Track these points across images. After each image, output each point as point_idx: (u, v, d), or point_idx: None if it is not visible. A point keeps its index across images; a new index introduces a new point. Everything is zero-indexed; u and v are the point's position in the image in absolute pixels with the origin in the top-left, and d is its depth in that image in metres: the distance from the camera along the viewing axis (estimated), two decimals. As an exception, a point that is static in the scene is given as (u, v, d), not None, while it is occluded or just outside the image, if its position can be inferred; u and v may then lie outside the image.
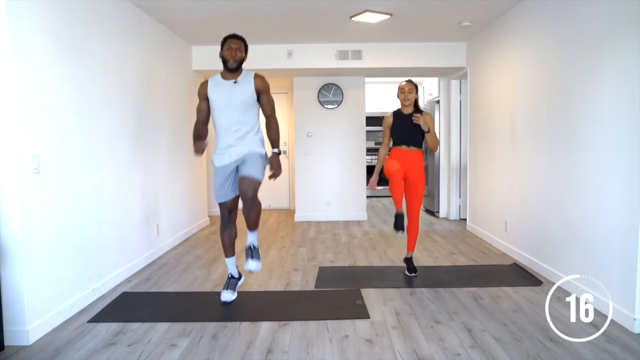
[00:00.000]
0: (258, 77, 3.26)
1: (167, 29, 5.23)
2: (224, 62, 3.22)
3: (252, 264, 3.29)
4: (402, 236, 4.04)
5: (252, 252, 3.32)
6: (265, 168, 3.29)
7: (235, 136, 3.21)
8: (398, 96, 3.94)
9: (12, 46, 2.66)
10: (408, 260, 4.05)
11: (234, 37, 3.26)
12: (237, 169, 3.27)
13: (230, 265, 3.44)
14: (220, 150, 3.27)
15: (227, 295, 3.35)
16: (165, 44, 5.19)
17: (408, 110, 3.91)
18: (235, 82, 3.22)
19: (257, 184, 3.20)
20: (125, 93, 4.12)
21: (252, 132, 3.25)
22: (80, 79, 3.40)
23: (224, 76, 3.27)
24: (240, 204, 3.29)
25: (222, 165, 3.26)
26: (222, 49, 3.24)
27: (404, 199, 3.91)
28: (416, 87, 3.94)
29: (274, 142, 3.32)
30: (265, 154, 3.30)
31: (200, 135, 3.37)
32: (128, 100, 4.18)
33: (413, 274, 3.97)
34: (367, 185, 7.26)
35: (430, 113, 4.01)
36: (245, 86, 3.21)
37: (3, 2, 2.59)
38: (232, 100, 3.20)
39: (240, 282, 3.49)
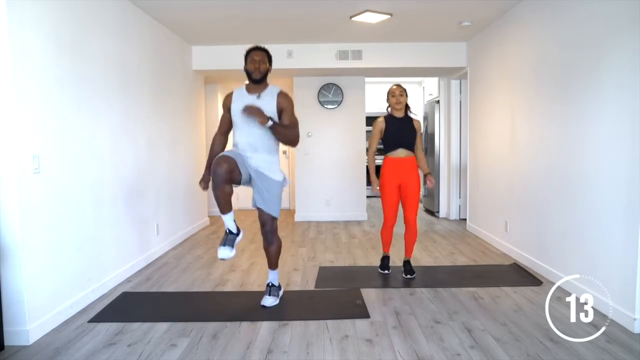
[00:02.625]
0: (282, 95, 3.19)
1: (167, 29, 5.23)
2: (248, 75, 3.17)
3: (267, 300, 3.32)
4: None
5: (270, 290, 3.37)
6: (281, 194, 3.24)
7: (254, 150, 3.15)
8: (388, 100, 3.92)
9: (12, 46, 2.66)
10: (406, 263, 4.04)
11: (256, 49, 3.21)
12: (252, 176, 3.16)
13: (228, 220, 3.12)
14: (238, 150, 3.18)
15: (225, 252, 3.07)
16: (165, 44, 5.19)
17: (399, 114, 3.91)
18: (258, 97, 3.16)
19: (275, 220, 3.23)
20: (125, 93, 4.12)
21: (271, 152, 3.19)
22: (80, 79, 3.40)
23: (248, 89, 3.21)
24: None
25: (237, 153, 3.13)
26: (245, 62, 3.19)
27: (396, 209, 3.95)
28: (405, 90, 3.94)
29: (281, 125, 3.13)
30: (283, 180, 3.22)
31: (215, 149, 3.31)
32: (128, 100, 4.18)
33: (409, 276, 3.95)
34: (367, 185, 7.29)
35: (419, 120, 4.03)
36: (267, 103, 3.14)
37: (3, 2, 2.59)
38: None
39: (238, 238, 3.19)
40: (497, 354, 2.56)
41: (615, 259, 2.99)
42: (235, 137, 3.24)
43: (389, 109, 3.97)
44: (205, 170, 3.33)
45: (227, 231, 3.15)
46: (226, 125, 3.31)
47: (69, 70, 3.25)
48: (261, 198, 3.18)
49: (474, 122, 5.87)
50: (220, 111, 4.79)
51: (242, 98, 3.20)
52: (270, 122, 3.06)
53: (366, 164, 7.17)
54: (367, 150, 4.12)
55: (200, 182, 3.34)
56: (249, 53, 3.21)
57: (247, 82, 3.26)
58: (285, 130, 3.16)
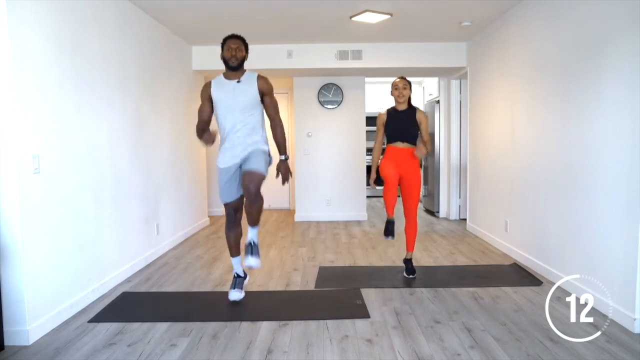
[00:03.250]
0: (261, 78, 3.28)
1: (167, 29, 5.23)
2: (225, 62, 3.24)
3: (251, 260, 3.20)
4: (393, 240, 4.03)
5: (251, 249, 3.25)
6: (269, 164, 3.29)
7: (240, 135, 3.23)
8: (392, 93, 3.91)
9: (12, 46, 2.66)
10: (407, 262, 4.03)
11: (232, 37, 3.28)
12: (240, 167, 3.27)
13: (236, 264, 3.46)
14: (224, 151, 3.28)
15: (235, 295, 3.38)
16: (165, 44, 5.19)
17: (402, 107, 3.90)
18: (238, 82, 3.24)
19: (260, 177, 3.16)
20: (125, 93, 4.13)
21: (256, 131, 3.27)
22: (80, 79, 3.40)
23: (226, 76, 3.28)
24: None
25: (226, 167, 3.26)
26: (222, 50, 3.26)
27: (396, 206, 3.91)
28: (410, 83, 3.92)
29: (281, 147, 3.36)
30: (269, 151, 3.32)
31: (204, 130, 3.34)
32: (128, 100, 4.19)
33: (411, 276, 3.94)
34: (367, 185, 7.29)
35: (424, 112, 3.99)
36: (248, 86, 3.23)
37: (3, 2, 2.59)
38: (236, 100, 3.21)
39: (246, 281, 3.51)
40: (497, 354, 2.56)
41: (615, 259, 2.99)
42: (220, 126, 3.30)
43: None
44: (204, 134, 3.31)
45: (236, 275, 3.46)
46: (207, 115, 3.33)
47: (69, 70, 3.25)
48: (248, 162, 3.20)
49: (474, 122, 5.87)
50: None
51: (222, 85, 3.26)
52: (287, 158, 3.35)
53: (366, 162, 7.21)
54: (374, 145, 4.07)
55: (206, 140, 3.28)
56: (225, 41, 3.28)
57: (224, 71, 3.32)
58: (282, 138, 3.36)
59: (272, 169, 3.32)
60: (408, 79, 3.96)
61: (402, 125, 3.86)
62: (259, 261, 3.26)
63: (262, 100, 3.29)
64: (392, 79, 4.03)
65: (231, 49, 3.21)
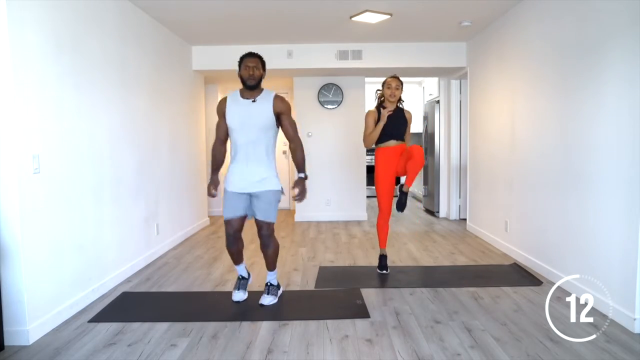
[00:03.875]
0: (278, 98, 3.18)
1: (167, 29, 5.23)
2: (243, 81, 3.16)
3: (266, 299, 3.35)
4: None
5: (269, 289, 3.41)
6: (279, 202, 3.27)
7: (251, 159, 3.16)
8: (384, 91, 3.93)
9: (12, 46, 2.66)
10: (402, 194, 3.93)
11: (250, 55, 3.19)
12: (249, 196, 3.22)
13: (240, 269, 3.47)
14: (234, 173, 3.20)
15: (239, 295, 3.41)
16: (165, 44, 5.19)
17: (392, 106, 3.94)
18: (253, 101, 3.15)
19: (272, 225, 3.26)
20: (125, 93, 4.13)
21: (269, 160, 3.20)
22: (80, 79, 3.40)
23: (242, 94, 3.20)
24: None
25: (233, 192, 3.22)
26: (239, 68, 3.18)
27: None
28: (402, 83, 3.95)
29: (300, 167, 3.27)
30: (281, 189, 3.25)
31: (217, 158, 3.36)
32: (128, 100, 4.18)
33: (400, 211, 3.98)
34: (367, 185, 7.29)
35: (410, 111, 4.07)
36: (263, 107, 3.14)
37: (3, 2, 2.59)
38: (249, 120, 3.12)
39: (250, 281, 3.54)
40: (497, 354, 2.56)
41: (615, 259, 2.99)
42: (232, 142, 3.24)
43: (380, 99, 3.99)
44: (212, 175, 3.39)
45: (240, 277, 3.47)
46: (223, 132, 3.29)
47: (69, 70, 3.25)
48: (259, 209, 3.21)
49: (474, 122, 5.87)
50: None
51: (237, 103, 3.19)
52: (304, 177, 3.27)
53: (366, 162, 7.21)
54: (364, 137, 4.01)
55: (208, 187, 3.35)
56: (242, 60, 3.19)
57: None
58: (302, 160, 3.29)
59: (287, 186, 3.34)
60: (401, 79, 3.99)
61: (393, 125, 3.91)
62: (274, 300, 3.39)
63: (279, 121, 3.20)
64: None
65: (249, 68, 3.12)
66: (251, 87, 3.15)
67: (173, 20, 4.95)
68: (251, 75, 3.12)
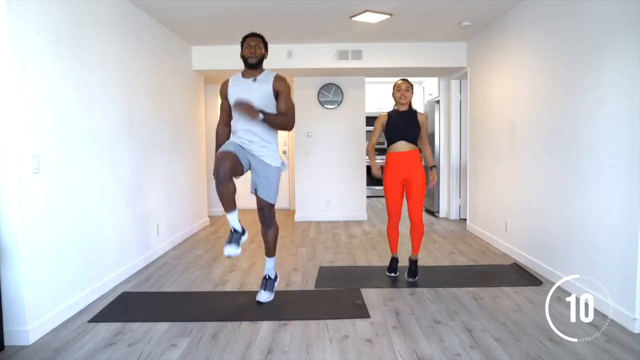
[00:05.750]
0: (279, 78, 3.21)
1: (167, 29, 5.23)
2: (245, 60, 3.20)
3: (262, 296, 3.36)
4: (395, 276, 4.02)
5: (266, 284, 3.40)
6: (279, 180, 3.28)
7: (251, 137, 3.16)
8: (394, 95, 3.87)
9: (13, 46, 2.66)
10: (412, 263, 3.96)
11: (252, 35, 3.25)
12: (250, 159, 3.19)
13: (233, 219, 3.12)
14: (236, 139, 3.20)
15: (231, 249, 3.06)
16: (165, 44, 5.19)
17: (403, 108, 3.87)
18: (254, 80, 3.19)
19: (274, 207, 3.31)
20: (125, 93, 4.12)
21: (268, 135, 3.19)
22: (81, 79, 3.40)
23: (244, 74, 3.25)
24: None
25: (238, 143, 3.17)
26: (242, 48, 3.23)
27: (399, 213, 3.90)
28: (412, 86, 3.88)
29: (274, 115, 3.13)
30: (282, 164, 3.26)
31: (220, 140, 3.36)
32: (128, 100, 4.18)
33: (411, 279, 3.87)
34: (367, 185, 7.29)
35: (425, 114, 3.98)
36: (264, 85, 3.17)
37: (3, 2, 2.59)
38: (250, 98, 3.10)
39: (244, 238, 3.17)
40: (497, 354, 2.56)
41: (615, 259, 2.99)
42: (233, 122, 3.27)
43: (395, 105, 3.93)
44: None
45: (232, 230, 3.13)
46: (226, 114, 3.33)
47: (69, 70, 3.25)
48: (260, 185, 3.23)
49: (474, 122, 5.87)
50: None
51: (238, 83, 3.23)
52: (261, 116, 3.06)
53: (366, 162, 7.21)
54: (369, 141, 4.01)
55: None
56: (244, 39, 3.25)
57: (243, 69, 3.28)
58: (277, 119, 3.16)
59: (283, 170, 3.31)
60: (410, 81, 3.92)
61: (404, 126, 3.83)
62: (271, 297, 3.39)
63: (276, 99, 3.18)
64: (393, 79, 4.03)
65: (250, 47, 3.18)
66: (252, 65, 3.18)
67: (173, 20, 4.95)
68: (253, 53, 3.17)
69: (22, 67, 2.76)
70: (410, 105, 3.90)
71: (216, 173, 2.98)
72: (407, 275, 3.93)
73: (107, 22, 3.84)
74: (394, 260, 4.05)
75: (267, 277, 3.43)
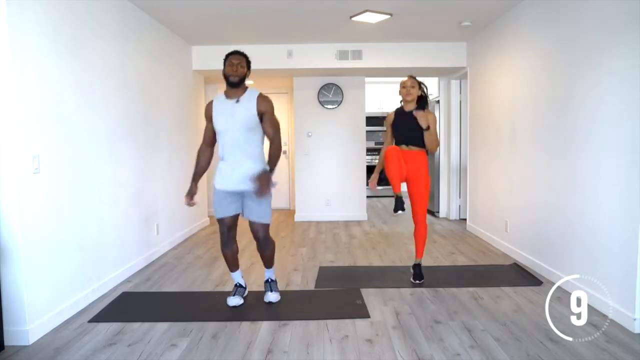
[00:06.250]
0: (262, 98, 3.12)
1: (167, 29, 5.23)
2: (226, 78, 3.12)
3: (272, 296, 3.40)
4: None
5: (270, 286, 3.45)
6: (271, 202, 3.23)
7: (238, 157, 3.11)
8: (400, 92, 3.75)
9: (13, 46, 2.66)
10: (415, 267, 3.88)
11: (234, 53, 3.17)
12: (241, 194, 3.17)
13: (237, 278, 3.43)
14: (223, 170, 3.16)
15: (235, 300, 3.32)
16: (165, 44, 5.19)
17: (410, 107, 3.73)
18: (237, 102, 3.11)
19: (267, 226, 3.25)
20: (125, 93, 4.13)
21: (255, 155, 3.13)
22: (81, 79, 3.40)
23: (227, 95, 3.17)
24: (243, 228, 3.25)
25: (222, 189, 3.18)
26: (224, 66, 3.14)
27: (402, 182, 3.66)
28: (419, 83, 3.76)
29: (272, 160, 3.09)
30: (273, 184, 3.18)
31: (201, 163, 3.33)
32: (128, 100, 4.18)
33: (417, 281, 3.80)
34: (367, 185, 7.29)
35: (434, 114, 3.83)
36: (247, 106, 3.09)
37: (3, 2, 2.59)
38: (234, 121, 3.08)
39: (246, 291, 3.48)
40: (497, 354, 2.56)
41: (615, 259, 2.99)
42: (219, 143, 3.19)
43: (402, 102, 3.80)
44: (192, 183, 3.34)
45: (237, 284, 3.44)
46: (210, 135, 3.27)
47: (69, 70, 3.25)
48: (250, 210, 3.18)
49: (474, 122, 5.87)
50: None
51: (222, 104, 3.16)
52: (274, 185, 3.03)
53: (366, 162, 7.21)
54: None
55: (186, 196, 3.32)
56: (227, 57, 3.16)
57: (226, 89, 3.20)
58: (275, 159, 3.09)
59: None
60: (417, 78, 3.80)
61: (407, 126, 3.68)
62: (279, 296, 3.44)
63: (261, 120, 3.12)
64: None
65: (233, 65, 3.09)
66: (233, 84, 3.11)
67: (173, 20, 4.95)
68: (235, 72, 3.09)
69: (22, 67, 2.76)
70: (418, 103, 3.75)
71: (221, 234, 3.26)
72: (412, 279, 3.85)
73: (107, 22, 3.84)
74: (399, 199, 3.62)
75: (269, 280, 3.45)
